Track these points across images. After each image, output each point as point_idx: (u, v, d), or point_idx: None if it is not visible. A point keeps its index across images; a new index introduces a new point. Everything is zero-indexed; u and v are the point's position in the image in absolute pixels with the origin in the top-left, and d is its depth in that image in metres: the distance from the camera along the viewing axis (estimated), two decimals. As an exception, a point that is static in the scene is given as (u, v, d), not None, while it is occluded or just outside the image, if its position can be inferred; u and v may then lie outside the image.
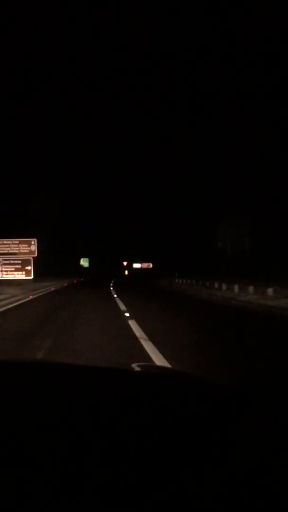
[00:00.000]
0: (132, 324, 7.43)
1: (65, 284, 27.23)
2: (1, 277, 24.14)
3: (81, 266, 62.69)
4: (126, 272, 75.30)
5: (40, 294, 17.88)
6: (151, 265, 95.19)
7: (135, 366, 1.52)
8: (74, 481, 0.65)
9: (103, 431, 0.82)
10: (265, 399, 0.98)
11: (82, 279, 40.62)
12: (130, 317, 8.52)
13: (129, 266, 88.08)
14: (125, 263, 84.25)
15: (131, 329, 6.85)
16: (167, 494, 0.62)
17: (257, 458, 0.72)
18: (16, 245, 24.67)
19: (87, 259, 64.18)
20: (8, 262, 24.37)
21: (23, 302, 13.66)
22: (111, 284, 28.62)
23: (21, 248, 24.76)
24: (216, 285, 17.88)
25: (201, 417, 0.88)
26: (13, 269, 24.26)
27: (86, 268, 63.32)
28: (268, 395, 1.02)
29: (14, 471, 0.68)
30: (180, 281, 28.00)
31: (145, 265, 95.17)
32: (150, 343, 5.45)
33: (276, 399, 0.98)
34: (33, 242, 24.66)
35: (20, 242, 24.94)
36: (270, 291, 12.58)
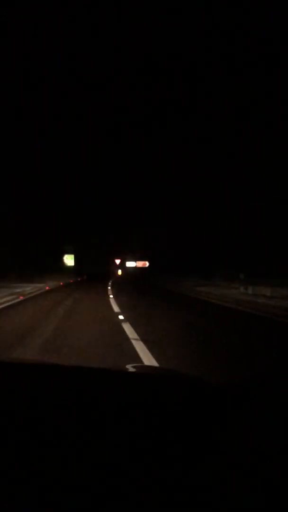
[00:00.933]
0: None
1: (21, 297, 13.70)
2: None
3: (65, 265, 49.54)
4: (120, 272, 62.01)
5: None
6: (147, 264, 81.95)
7: (129, 367, 1.51)
8: (72, 482, 0.66)
9: (101, 432, 0.81)
10: (264, 399, 0.96)
11: (61, 283, 27.05)
12: None
13: (122, 265, 74.66)
14: (117, 261, 70.75)
15: None
16: (166, 494, 0.63)
17: (256, 458, 0.72)
18: None
19: (72, 256, 50.93)
20: None
21: None
22: (111, 296, 15.27)
23: None
24: None
25: (199, 417, 0.87)
26: None
27: (71, 267, 50.21)
28: (266, 395, 1.00)
29: (13, 471, 0.68)
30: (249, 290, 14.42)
31: (140, 263, 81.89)
32: None
33: (274, 399, 0.96)
34: None
35: None
36: None
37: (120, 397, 1.00)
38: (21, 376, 1.17)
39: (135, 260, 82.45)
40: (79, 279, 39.62)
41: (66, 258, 50.18)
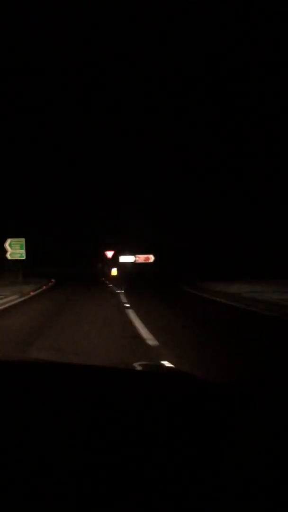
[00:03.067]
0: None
1: None
2: None
3: (6, 258, 23.28)
4: (114, 272, 36.03)
5: None
6: (151, 258, 55.94)
7: (136, 365, 1.52)
8: (74, 482, 0.66)
9: (104, 432, 0.81)
10: (266, 399, 0.96)
11: None
12: None
13: (116, 260, 48.39)
14: (109, 254, 44.23)
15: None
16: (167, 495, 0.64)
17: (257, 458, 0.73)
18: None
19: (22, 242, 24.17)
20: None
21: None
22: None
23: None
24: None
25: (202, 417, 0.88)
26: None
27: (18, 261, 24.15)
28: (268, 395, 1.00)
29: (14, 471, 0.69)
30: None
31: (141, 257, 55.80)
32: None
33: (276, 399, 0.96)
34: None
35: None
36: None
37: (124, 396, 0.99)
38: (25, 377, 1.14)
39: (134, 253, 56.40)
40: (19, 300, 13.16)
41: (10, 244, 23.85)
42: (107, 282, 26.35)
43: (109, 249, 43.20)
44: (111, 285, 21.99)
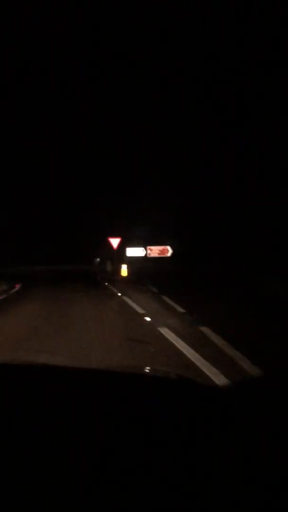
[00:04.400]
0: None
1: None
2: None
3: None
4: (125, 271, 22.01)
5: None
6: (169, 251, 41.70)
7: (141, 370, 1.53)
8: (74, 485, 0.66)
9: (105, 435, 0.81)
10: (266, 402, 0.97)
11: None
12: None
13: (123, 252, 34.21)
14: (114, 243, 30.04)
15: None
16: (168, 496, 0.65)
17: (257, 459, 0.74)
18: None
19: None
20: None
21: None
22: None
23: None
24: None
25: (203, 419, 0.89)
26: None
27: None
28: (268, 398, 1.01)
29: (15, 473, 0.69)
30: None
31: (155, 250, 41.42)
32: None
33: (276, 401, 0.97)
34: None
35: None
36: None
37: (128, 398, 0.99)
38: (29, 380, 1.11)
39: (143, 244, 42.22)
40: None
41: None
42: (119, 294, 12.35)
43: (114, 236, 28.95)
44: (144, 313, 7.79)
